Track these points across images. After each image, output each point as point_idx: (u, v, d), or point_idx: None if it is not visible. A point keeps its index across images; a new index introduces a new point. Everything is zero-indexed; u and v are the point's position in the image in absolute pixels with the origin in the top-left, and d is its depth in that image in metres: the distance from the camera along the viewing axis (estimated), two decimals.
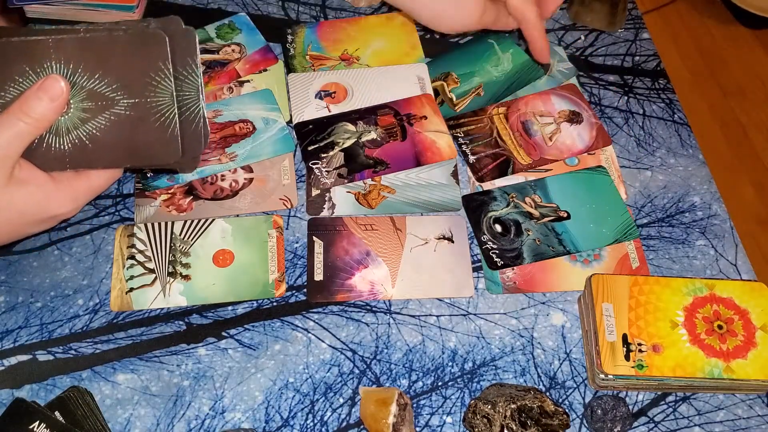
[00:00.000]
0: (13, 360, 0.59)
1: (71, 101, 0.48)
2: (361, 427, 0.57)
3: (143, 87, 0.49)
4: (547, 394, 0.59)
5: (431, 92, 0.75)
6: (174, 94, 0.49)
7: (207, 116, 0.51)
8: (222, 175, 0.68)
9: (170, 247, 0.64)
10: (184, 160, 0.51)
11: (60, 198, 0.50)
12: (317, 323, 0.62)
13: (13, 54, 0.48)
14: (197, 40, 0.50)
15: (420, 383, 0.60)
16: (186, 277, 0.63)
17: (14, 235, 0.51)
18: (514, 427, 0.54)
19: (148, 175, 0.67)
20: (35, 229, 0.52)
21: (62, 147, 0.49)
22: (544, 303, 0.64)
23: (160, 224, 0.65)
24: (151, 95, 0.49)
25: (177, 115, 0.49)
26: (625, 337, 0.57)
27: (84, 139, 0.49)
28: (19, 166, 0.48)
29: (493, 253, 0.65)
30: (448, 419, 0.58)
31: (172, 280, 0.62)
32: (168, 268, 0.63)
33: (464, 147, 0.71)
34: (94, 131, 0.49)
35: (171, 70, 0.49)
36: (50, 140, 0.49)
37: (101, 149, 0.49)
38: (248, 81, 0.75)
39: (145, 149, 0.50)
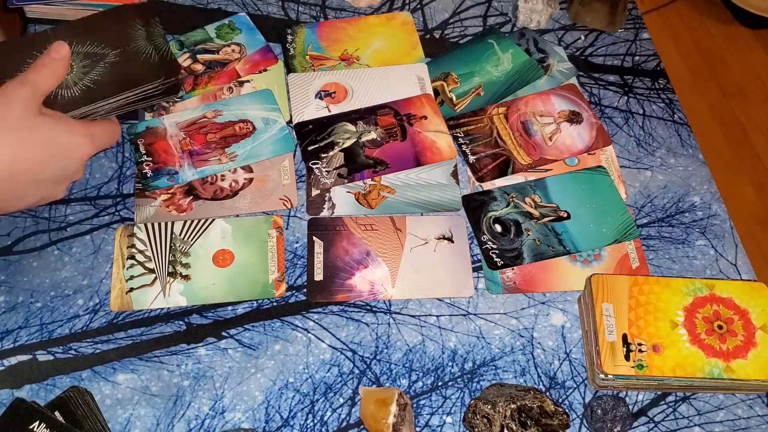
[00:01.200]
0: (13, 360, 0.59)
1: (73, 63, 0.62)
2: (361, 427, 0.57)
3: (125, 40, 0.65)
4: (547, 394, 0.59)
5: (431, 92, 0.75)
6: (147, 38, 0.66)
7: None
8: (222, 175, 0.68)
9: (170, 247, 0.64)
10: (167, 83, 0.65)
11: (79, 132, 0.59)
12: (317, 323, 0.62)
13: (21, 46, 0.62)
14: (153, 3, 0.70)
15: (420, 383, 0.60)
16: (186, 277, 0.63)
17: (42, 167, 0.57)
18: (514, 427, 0.54)
19: (148, 175, 0.67)
20: (58, 163, 0.58)
21: (73, 94, 0.62)
22: (544, 303, 0.64)
23: (160, 224, 0.65)
24: (131, 43, 0.65)
25: (154, 51, 0.66)
26: (625, 337, 0.57)
27: (89, 84, 0.63)
28: (45, 108, 0.58)
29: (493, 253, 0.65)
30: (448, 419, 0.58)
31: (172, 280, 0.62)
32: (168, 268, 0.63)
33: (464, 147, 0.71)
34: (96, 77, 0.63)
35: (141, 23, 0.66)
36: (63, 93, 0.62)
37: (103, 86, 0.63)
38: (248, 81, 0.75)
39: (135, 78, 0.64)
